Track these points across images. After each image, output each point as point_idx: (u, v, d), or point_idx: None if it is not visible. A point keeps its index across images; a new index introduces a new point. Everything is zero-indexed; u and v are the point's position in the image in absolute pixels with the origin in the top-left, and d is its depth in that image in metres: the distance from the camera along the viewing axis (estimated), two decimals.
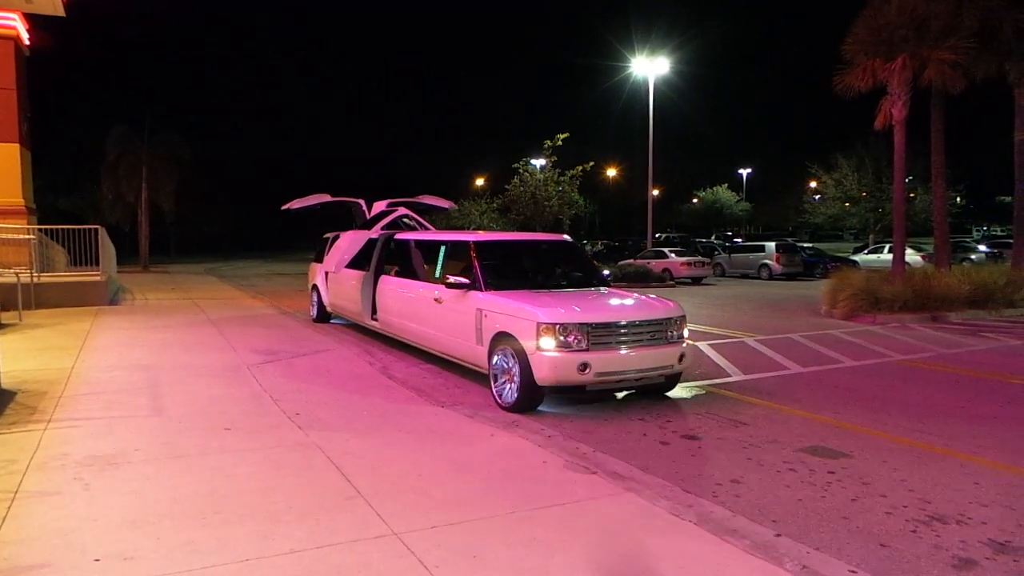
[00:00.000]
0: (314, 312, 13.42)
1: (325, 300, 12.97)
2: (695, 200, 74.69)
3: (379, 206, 12.31)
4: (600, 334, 6.64)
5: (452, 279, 7.84)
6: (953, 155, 19.06)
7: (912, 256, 30.10)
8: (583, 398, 7.29)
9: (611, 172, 65.58)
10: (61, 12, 16.02)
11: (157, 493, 4.40)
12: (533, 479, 4.80)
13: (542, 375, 6.51)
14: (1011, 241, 21.61)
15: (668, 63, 27.94)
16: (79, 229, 15.91)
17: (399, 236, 10.60)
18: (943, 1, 15.18)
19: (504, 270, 8.21)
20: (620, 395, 7.62)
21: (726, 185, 71.13)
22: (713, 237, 51.86)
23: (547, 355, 6.47)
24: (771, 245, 29.10)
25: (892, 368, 9.51)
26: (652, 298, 7.70)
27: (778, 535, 4.09)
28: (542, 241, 9.61)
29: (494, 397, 7.08)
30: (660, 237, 48.46)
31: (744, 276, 28.87)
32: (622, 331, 6.78)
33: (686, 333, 7.36)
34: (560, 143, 26.48)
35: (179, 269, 32.93)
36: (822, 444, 5.99)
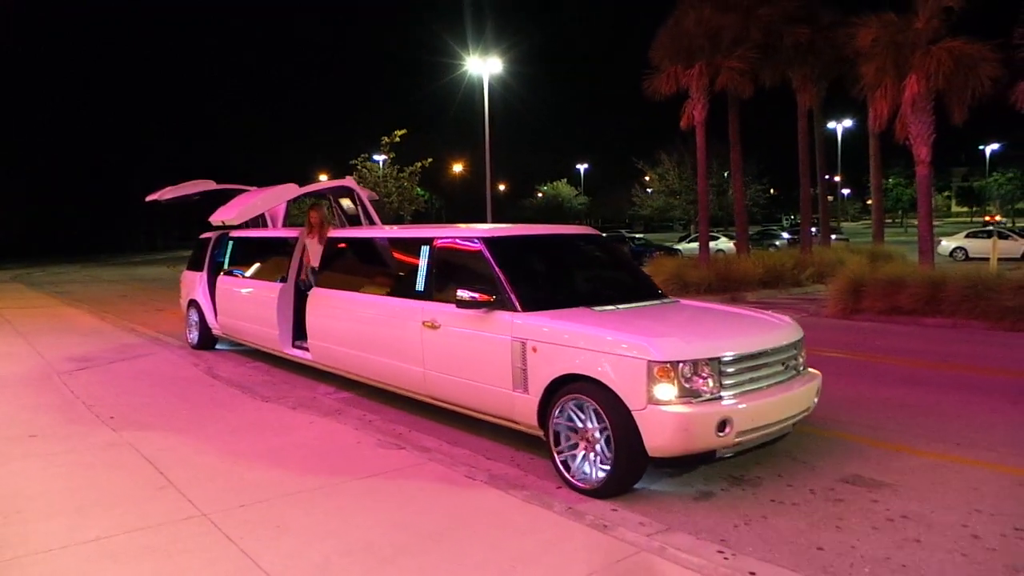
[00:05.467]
0: (193, 336, 10.35)
1: (211, 319, 9.95)
2: (540, 195, 77.39)
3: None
4: (734, 372, 4.59)
5: (465, 294, 5.35)
6: (765, 150, 21.42)
7: (726, 244, 33.11)
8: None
9: (457, 167, 66.43)
10: None
11: None
12: (345, 458, 5.18)
13: (660, 442, 4.35)
14: (815, 229, 24.58)
15: (501, 63, 28.85)
16: None
17: (339, 233, 8.06)
18: (733, 15, 17.02)
19: (537, 280, 6.10)
20: None
21: (565, 180, 74.30)
22: None
23: (668, 411, 4.30)
24: None
25: None
26: (764, 313, 5.82)
27: (559, 487, 4.76)
28: (575, 236, 7.01)
29: (559, 471, 4.85)
30: None
31: None
32: (759, 364, 4.77)
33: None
34: (398, 140, 26.76)
35: None
36: None
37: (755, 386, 4.70)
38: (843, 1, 18.87)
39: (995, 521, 4.19)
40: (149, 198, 10.96)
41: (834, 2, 19.33)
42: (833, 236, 33.47)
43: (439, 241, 6.23)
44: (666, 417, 4.31)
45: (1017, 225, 45.39)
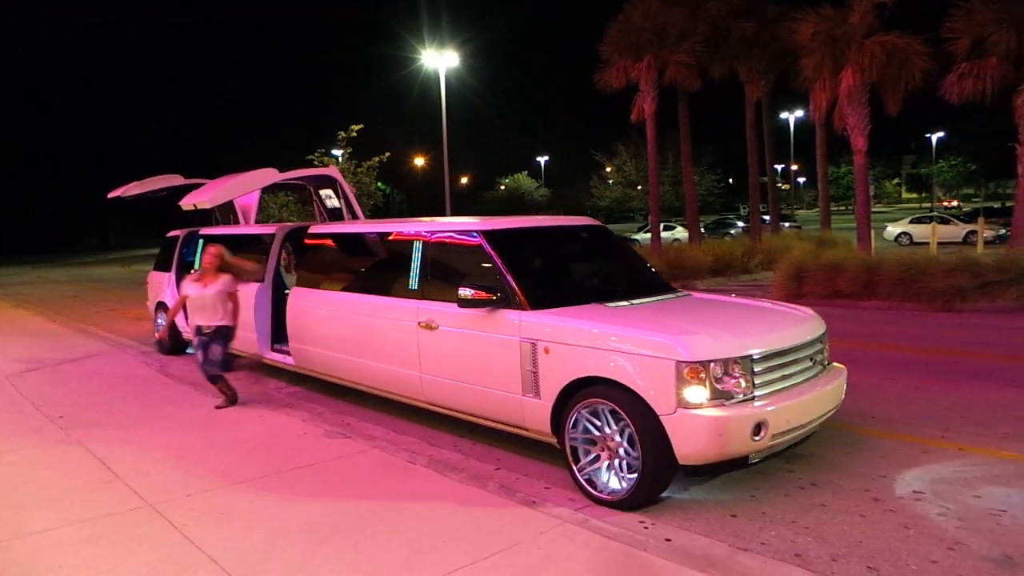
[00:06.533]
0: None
1: (181, 323, 9.02)
2: (501, 187, 77.57)
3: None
4: (763, 370, 4.31)
5: (468, 292, 4.95)
6: (720, 141, 21.92)
7: (681, 232, 33.68)
8: None
9: (419, 161, 66.21)
10: None
11: None
12: (292, 448, 5.35)
13: (693, 448, 4.07)
14: (768, 217, 25.22)
15: (458, 56, 28.93)
16: None
17: (323, 229, 7.70)
18: (680, 9, 17.41)
19: (543, 275, 5.83)
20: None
21: (526, 172, 74.67)
22: None
23: (700, 415, 4.01)
24: None
25: None
26: (785, 305, 5.59)
27: (497, 468, 5.00)
28: (578, 228, 6.51)
29: (579, 484, 4.50)
30: None
31: None
32: (788, 361, 4.52)
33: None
34: (355, 134, 26.65)
35: None
36: None
37: (786, 384, 4.45)
38: None
39: (897, 486, 4.54)
40: (112, 194, 10.54)
41: None
42: (787, 224, 34.32)
43: (434, 235, 5.78)
44: (699, 422, 4.00)
45: (964, 210, 46.93)
